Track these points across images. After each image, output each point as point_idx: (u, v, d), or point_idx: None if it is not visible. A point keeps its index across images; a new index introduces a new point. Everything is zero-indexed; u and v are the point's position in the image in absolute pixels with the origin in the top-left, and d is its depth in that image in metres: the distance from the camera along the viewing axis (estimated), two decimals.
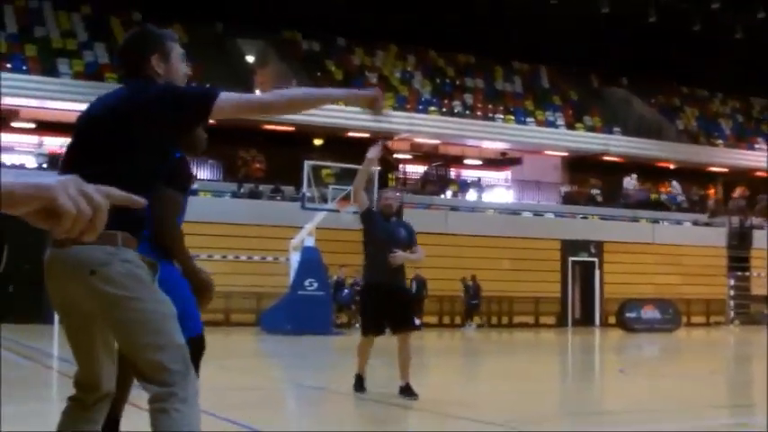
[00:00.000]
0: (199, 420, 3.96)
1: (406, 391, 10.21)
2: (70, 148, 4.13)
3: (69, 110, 30.12)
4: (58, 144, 32.62)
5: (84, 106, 4.40)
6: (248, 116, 4.22)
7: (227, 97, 3.95)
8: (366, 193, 10.90)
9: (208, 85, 4.31)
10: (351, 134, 35.87)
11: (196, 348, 4.83)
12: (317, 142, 34.51)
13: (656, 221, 41.26)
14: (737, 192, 45.34)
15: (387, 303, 10.29)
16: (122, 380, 5.04)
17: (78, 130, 4.13)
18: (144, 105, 3.97)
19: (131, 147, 3.94)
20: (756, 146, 47.24)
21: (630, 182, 43.62)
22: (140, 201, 2.17)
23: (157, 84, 4.16)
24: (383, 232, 10.44)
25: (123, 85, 4.21)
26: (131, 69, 4.24)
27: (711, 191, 46.51)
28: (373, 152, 9.74)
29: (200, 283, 5.32)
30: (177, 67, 4.32)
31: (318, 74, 40.54)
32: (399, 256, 10.25)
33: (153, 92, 4.04)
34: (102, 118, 4.02)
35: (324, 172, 30.53)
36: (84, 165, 3.81)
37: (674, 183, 44.87)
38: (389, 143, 37.84)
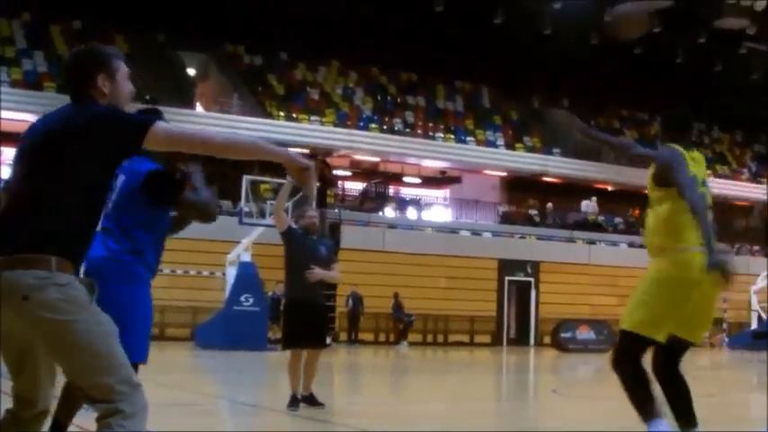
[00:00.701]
0: None
1: (310, 399, 10.65)
2: (14, 164, 4.16)
3: (6, 118, 29.74)
4: None
5: (21, 115, 4.40)
6: (183, 150, 4.19)
7: (163, 128, 4.00)
8: (306, 209, 11.23)
9: (155, 109, 4.37)
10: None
11: None
12: None
13: (592, 242, 41.55)
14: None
15: (305, 319, 10.61)
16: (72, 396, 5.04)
17: (22, 147, 4.16)
18: (83, 128, 3.98)
19: (70, 166, 3.94)
20: None
21: (589, 205, 43.90)
22: None
23: (99, 106, 4.15)
24: (304, 249, 10.75)
25: (67, 105, 4.20)
26: (76, 87, 4.22)
27: (636, 212, 46.86)
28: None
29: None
30: (123, 86, 4.31)
31: (260, 88, 40.45)
32: (316, 273, 10.58)
33: (93, 114, 4.05)
34: (43, 137, 4.04)
35: (262, 187, 30.43)
36: (26, 181, 3.97)
37: (593, 200, 44.86)
38: (329, 159, 37.82)
